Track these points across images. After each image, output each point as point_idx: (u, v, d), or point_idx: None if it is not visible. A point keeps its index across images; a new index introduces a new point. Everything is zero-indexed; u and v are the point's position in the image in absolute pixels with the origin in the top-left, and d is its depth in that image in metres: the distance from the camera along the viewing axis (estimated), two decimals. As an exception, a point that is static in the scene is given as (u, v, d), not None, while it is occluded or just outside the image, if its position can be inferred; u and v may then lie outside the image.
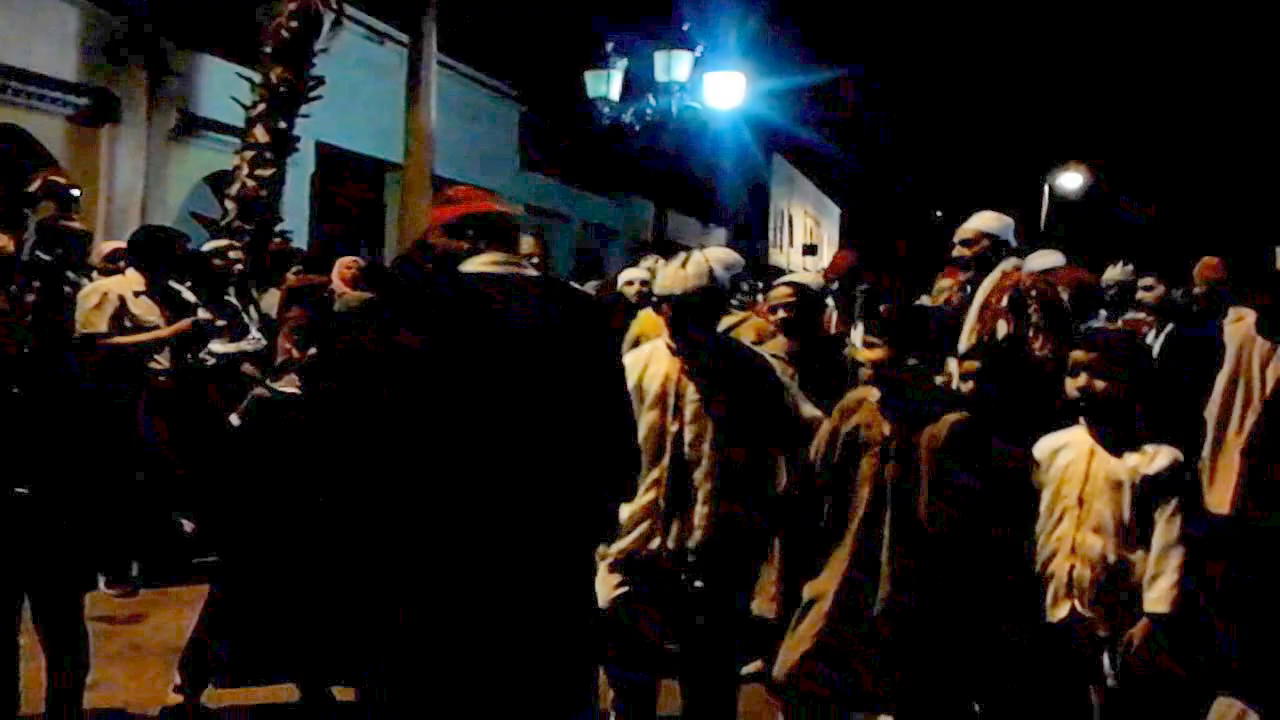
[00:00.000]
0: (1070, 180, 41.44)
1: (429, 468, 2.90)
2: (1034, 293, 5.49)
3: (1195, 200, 39.46)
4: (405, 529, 2.93)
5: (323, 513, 4.42)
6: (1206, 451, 5.72)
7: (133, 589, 6.43)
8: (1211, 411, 5.81)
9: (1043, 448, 4.10)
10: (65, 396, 4.17)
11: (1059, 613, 3.89)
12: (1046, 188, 40.82)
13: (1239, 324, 6.09)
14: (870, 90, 38.50)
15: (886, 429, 4.09)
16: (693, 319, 4.27)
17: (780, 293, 5.60)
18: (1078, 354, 3.97)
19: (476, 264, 3.15)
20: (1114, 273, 8.67)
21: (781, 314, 5.50)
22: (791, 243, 40.37)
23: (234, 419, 4.65)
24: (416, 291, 3.23)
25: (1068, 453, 4.00)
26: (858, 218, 45.36)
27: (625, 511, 4.19)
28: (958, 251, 5.95)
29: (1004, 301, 5.52)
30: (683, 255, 4.39)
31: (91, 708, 4.53)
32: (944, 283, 8.42)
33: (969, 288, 6.04)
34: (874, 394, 4.18)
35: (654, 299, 4.55)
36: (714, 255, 5.53)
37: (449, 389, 2.93)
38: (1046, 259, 8.30)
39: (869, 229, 42.78)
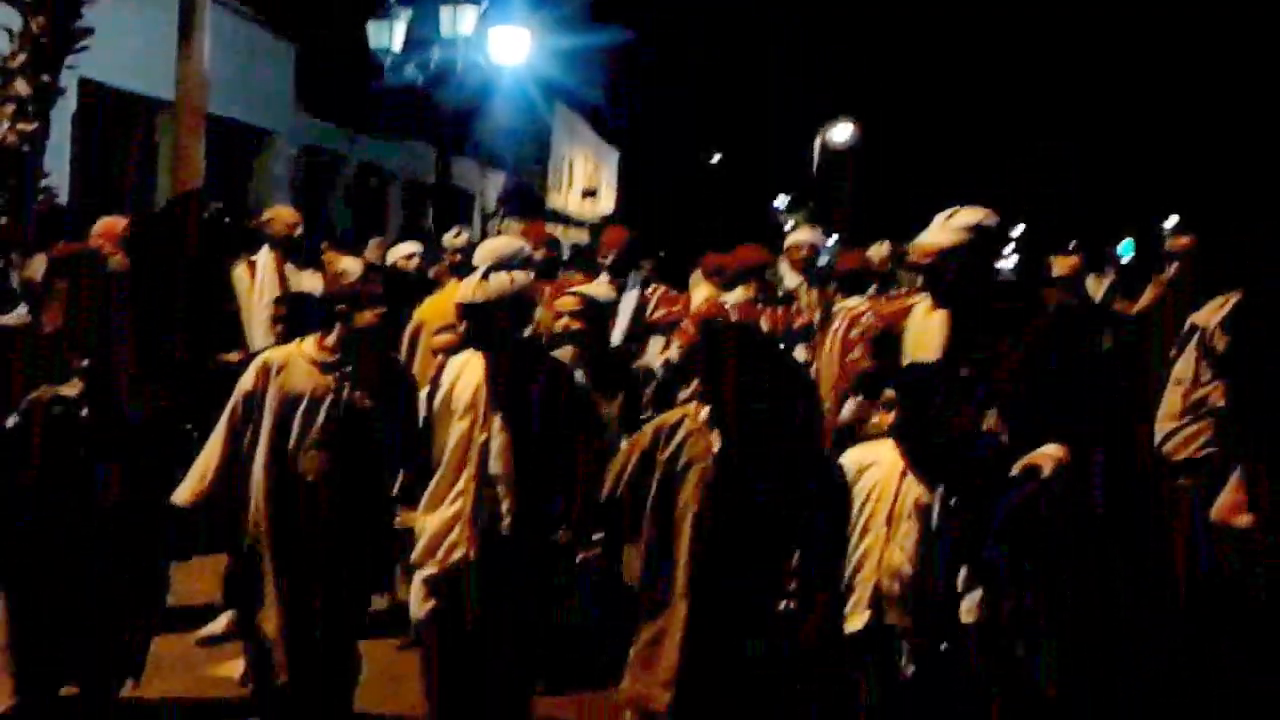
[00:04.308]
0: (840, 133, 42.88)
1: None
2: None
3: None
4: None
5: (100, 518, 4.44)
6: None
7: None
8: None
9: (851, 461, 4.17)
10: None
11: (855, 624, 4.02)
12: (818, 140, 42.10)
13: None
14: (650, 45, 38.82)
15: (716, 444, 4.00)
16: (497, 327, 4.38)
17: (567, 302, 5.58)
18: (887, 392, 4.11)
19: None
20: (879, 251, 8.99)
21: (569, 323, 5.50)
22: (571, 185, 40.51)
23: (10, 421, 4.52)
24: None
25: (877, 470, 4.09)
26: (635, 162, 45.80)
27: (431, 522, 4.37)
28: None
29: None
30: (486, 269, 4.49)
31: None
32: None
33: None
34: (702, 413, 4.11)
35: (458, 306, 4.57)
36: (501, 250, 5.68)
37: None
38: (805, 235, 8.59)
39: (646, 173, 43.34)
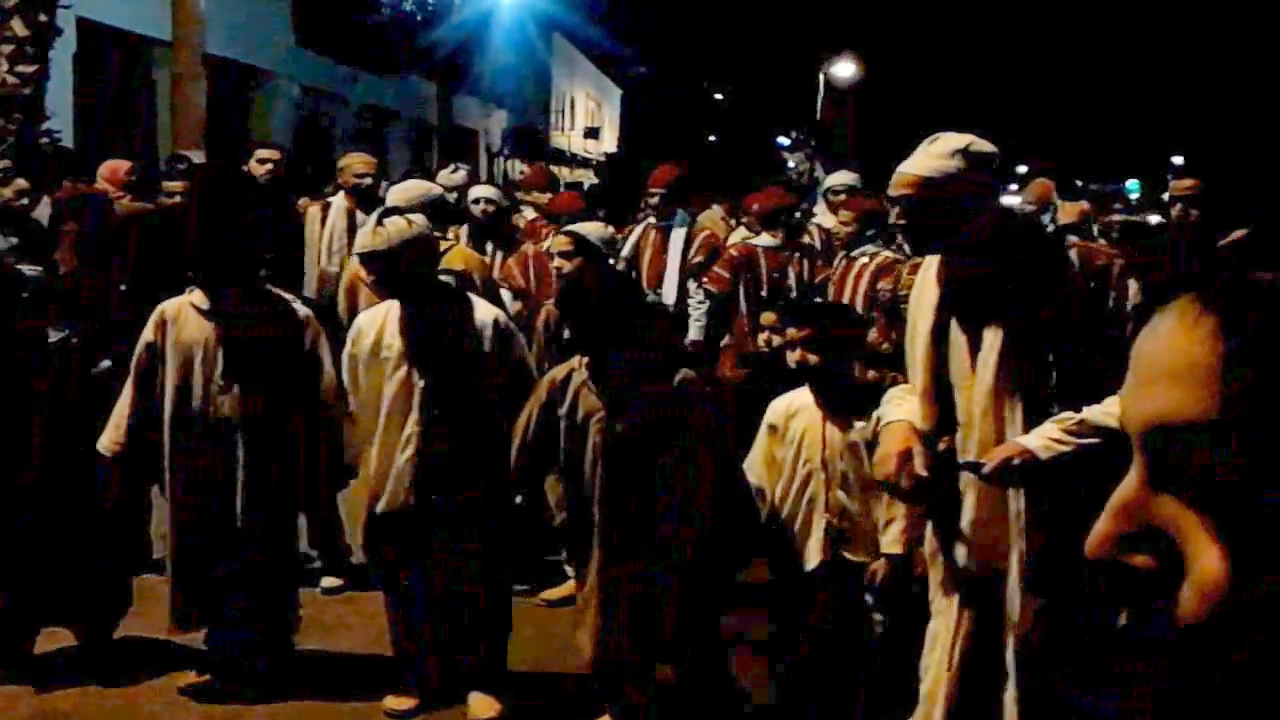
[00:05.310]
0: (843, 69, 42.48)
1: None
2: None
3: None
4: None
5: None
6: None
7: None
8: None
9: (777, 411, 4.22)
10: None
11: (810, 563, 4.09)
12: (821, 77, 41.71)
13: None
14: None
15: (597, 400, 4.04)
16: (400, 272, 4.30)
17: (559, 241, 5.36)
18: (791, 331, 4.12)
19: None
20: None
21: (560, 263, 5.28)
22: (573, 125, 40.22)
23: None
24: None
25: (803, 418, 4.12)
26: (637, 100, 45.45)
27: (379, 465, 4.42)
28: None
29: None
30: (379, 214, 4.47)
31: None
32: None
33: None
34: (582, 366, 4.12)
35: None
36: (412, 191, 5.58)
37: None
38: (844, 177, 8.55)
39: (648, 111, 43.00)
